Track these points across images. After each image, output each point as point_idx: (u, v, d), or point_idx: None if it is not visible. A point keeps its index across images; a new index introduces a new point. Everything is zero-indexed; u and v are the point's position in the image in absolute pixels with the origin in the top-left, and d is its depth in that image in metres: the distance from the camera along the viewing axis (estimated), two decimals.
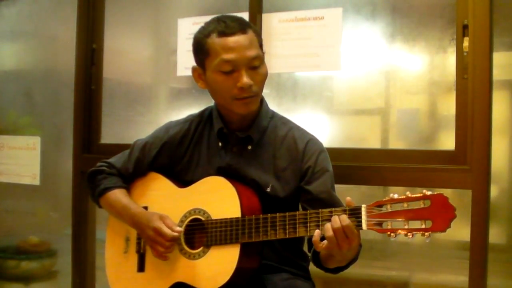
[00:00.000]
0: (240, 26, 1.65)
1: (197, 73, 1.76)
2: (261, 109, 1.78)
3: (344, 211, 1.44)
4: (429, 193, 1.36)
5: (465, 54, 1.95)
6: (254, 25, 1.79)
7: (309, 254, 1.70)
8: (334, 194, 1.72)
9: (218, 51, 1.63)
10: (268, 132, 1.78)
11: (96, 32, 2.70)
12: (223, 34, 1.64)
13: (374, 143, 2.30)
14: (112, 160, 1.93)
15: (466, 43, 1.95)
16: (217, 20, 1.68)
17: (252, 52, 1.64)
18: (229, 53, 1.62)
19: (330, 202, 1.66)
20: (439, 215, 1.34)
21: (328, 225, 1.44)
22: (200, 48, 1.69)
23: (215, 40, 1.64)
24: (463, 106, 1.96)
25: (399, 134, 2.29)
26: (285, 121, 1.83)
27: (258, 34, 1.72)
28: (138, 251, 1.82)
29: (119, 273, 1.86)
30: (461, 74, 1.96)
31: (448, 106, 2.04)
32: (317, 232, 1.46)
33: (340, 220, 1.42)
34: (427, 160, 2.02)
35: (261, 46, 1.71)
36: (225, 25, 1.64)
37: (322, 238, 1.47)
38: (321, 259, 1.63)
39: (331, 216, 1.45)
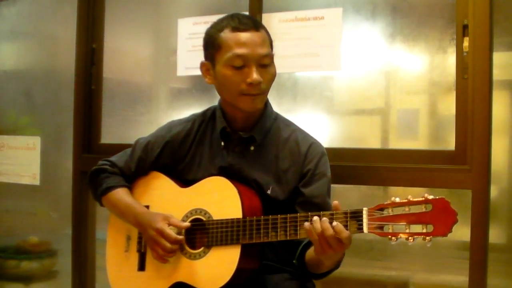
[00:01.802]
0: (254, 24, 1.68)
1: (205, 68, 1.76)
2: (265, 110, 1.79)
3: (346, 214, 1.44)
4: (431, 197, 1.36)
5: (465, 54, 1.95)
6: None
7: (295, 262, 1.68)
8: (328, 200, 1.72)
9: (230, 45, 1.65)
10: (271, 133, 1.78)
11: (96, 32, 2.70)
12: (236, 29, 1.65)
13: (374, 143, 2.30)
14: (114, 158, 1.92)
15: (466, 43, 1.95)
16: (231, 17, 1.70)
17: (263, 50, 1.66)
18: (241, 48, 1.63)
19: (323, 208, 1.63)
20: (441, 219, 1.34)
21: (309, 230, 1.44)
22: (212, 42, 1.70)
23: (228, 35, 1.66)
24: (463, 106, 1.96)
25: (399, 134, 2.29)
26: (288, 123, 1.83)
27: (269, 35, 1.74)
28: (139, 250, 1.81)
29: (119, 271, 1.85)
30: (461, 74, 1.96)
31: (448, 106, 2.04)
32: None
33: (338, 231, 1.41)
34: (427, 160, 2.02)
35: (271, 47, 1.73)
36: (239, 21, 1.66)
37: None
38: (307, 264, 1.64)
39: (333, 218, 1.45)
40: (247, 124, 1.76)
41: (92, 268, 2.72)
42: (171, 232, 1.65)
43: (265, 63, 1.67)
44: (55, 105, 2.98)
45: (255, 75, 1.63)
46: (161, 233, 1.65)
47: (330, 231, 1.41)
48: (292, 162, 1.74)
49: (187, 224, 1.68)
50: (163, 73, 2.79)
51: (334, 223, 1.42)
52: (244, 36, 1.65)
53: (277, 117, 1.84)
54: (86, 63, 2.70)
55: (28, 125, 3.07)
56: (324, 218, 1.43)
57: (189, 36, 2.45)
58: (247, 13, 2.27)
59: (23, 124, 3.08)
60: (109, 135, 2.71)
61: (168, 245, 1.64)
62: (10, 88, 3.15)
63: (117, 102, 2.76)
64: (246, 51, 1.63)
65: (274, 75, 1.72)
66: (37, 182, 2.93)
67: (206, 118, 1.85)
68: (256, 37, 1.66)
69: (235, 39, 1.64)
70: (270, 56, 1.69)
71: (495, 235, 2.03)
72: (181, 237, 1.66)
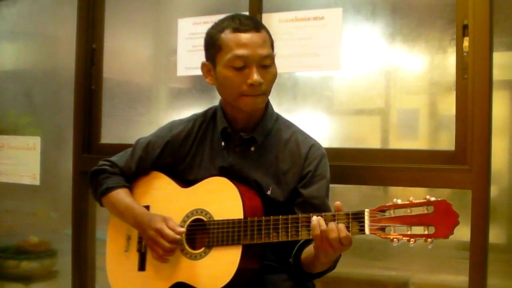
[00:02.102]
0: (254, 24, 1.68)
1: (206, 69, 1.76)
2: (266, 111, 1.79)
3: (347, 215, 1.45)
4: (432, 199, 1.36)
5: (465, 54, 1.95)
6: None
7: (291, 260, 1.68)
8: (326, 201, 1.73)
9: (231, 46, 1.64)
10: (272, 134, 1.78)
11: (96, 32, 2.70)
12: (237, 30, 1.65)
13: (374, 143, 2.30)
14: (114, 158, 1.92)
15: (466, 43, 1.95)
16: (232, 17, 1.69)
17: (264, 51, 1.65)
18: (242, 49, 1.63)
19: (321, 209, 1.64)
20: (442, 221, 1.34)
21: (315, 224, 1.45)
22: (213, 43, 1.70)
23: (228, 36, 1.65)
24: (463, 106, 1.96)
25: (399, 134, 2.29)
26: (289, 125, 1.83)
27: (271, 35, 1.73)
28: (139, 250, 1.81)
29: (119, 271, 1.86)
30: (461, 74, 1.96)
31: (448, 106, 2.04)
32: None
33: (339, 230, 1.42)
34: (427, 160, 2.02)
35: (272, 47, 1.72)
36: (239, 22, 1.66)
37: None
38: (302, 263, 1.64)
39: (334, 220, 1.45)
40: (248, 125, 1.76)
41: (92, 268, 2.72)
42: (170, 231, 1.65)
43: (266, 63, 1.66)
44: (55, 105, 2.98)
45: (255, 76, 1.63)
46: (160, 233, 1.65)
47: (335, 233, 1.42)
48: (292, 164, 1.74)
49: (182, 229, 1.68)
50: (163, 73, 2.79)
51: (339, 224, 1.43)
52: (245, 37, 1.64)
53: (278, 118, 1.84)
54: (86, 63, 2.70)
55: (28, 125, 3.07)
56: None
57: (189, 36, 2.45)
58: (247, 13, 2.27)
59: (23, 124, 3.08)
60: (109, 135, 2.71)
61: (167, 244, 1.64)
62: (10, 88, 3.15)
63: (117, 102, 2.76)
64: (247, 52, 1.63)
65: (275, 76, 1.71)
66: (37, 182, 2.93)
67: (207, 118, 1.85)
68: (257, 38, 1.65)
69: (236, 40, 1.64)
70: (271, 57, 1.68)
71: (495, 235, 2.03)
72: (179, 236, 1.65)
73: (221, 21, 1.71)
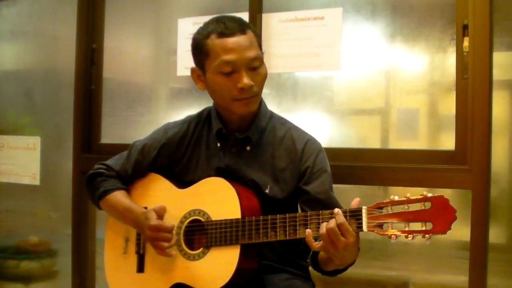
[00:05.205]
0: (240, 27, 1.65)
1: (196, 74, 1.75)
2: (259, 109, 1.78)
3: (345, 212, 1.44)
4: (429, 195, 1.36)
5: (465, 54, 1.95)
6: (253, 26, 1.79)
7: (308, 257, 1.69)
8: (332, 194, 1.72)
9: (217, 52, 1.63)
10: (267, 132, 1.78)
11: (96, 32, 2.70)
12: (222, 35, 1.63)
13: (374, 143, 2.30)
14: (110, 162, 1.92)
15: (466, 43, 1.95)
16: (216, 21, 1.67)
17: (251, 53, 1.64)
18: (229, 54, 1.62)
19: (329, 203, 1.65)
20: (440, 217, 1.34)
21: (323, 224, 1.44)
22: (200, 50, 1.68)
23: (214, 41, 1.64)
24: (463, 106, 1.96)
25: (399, 134, 2.29)
26: (283, 122, 1.82)
27: (257, 34, 1.72)
28: (137, 252, 1.81)
29: (118, 273, 1.85)
30: (461, 74, 1.96)
31: (448, 106, 2.04)
32: (308, 232, 1.46)
33: (336, 219, 1.42)
34: (427, 160, 2.02)
35: (260, 46, 1.71)
36: (224, 26, 1.64)
37: (317, 239, 1.47)
38: (319, 262, 1.63)
39: (332, 217, 1.45)
40: (243, 125, 1.75)
41: (92, 268, 2.72)
42: (168, 223, 1.65)
43: (255, 65, 1.65)
44: (55, 105, 2.98)
45: (245, 80, 1.62)
46: (159, 228, 1.65)
47: (331, 224, 1.41)
48: (289, 161, 1.73)
49: (163, 206, 1.71)
50: (163, 73, 2.79)
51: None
52: (231, 41, 1.62)
53: (272, 116, 1.83)
54: (86, 63, 2.70)
55: (28, 125, 3.07)
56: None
57: (189, 36, 2.39)
58: (247, 13, 2.27)
59: (23, 124, 3.08)
60: (109, 135, 2.71)
61: (169, 235, 1.64)
62: (10, 88, 3.15)
63: (117, 102, 2.76)
64: (234, 56, 1.61)
65: (265, 76, 1.70)
66: (37, 182, 2.93)
67: (202, 119, 1.85)
68: (243, 41, 1.63)
69: (222, 45, 1.62)
70: (259, 58, 1.66)
71: (495, 235, 2.03)
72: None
73: (206, 25, 1.69)
